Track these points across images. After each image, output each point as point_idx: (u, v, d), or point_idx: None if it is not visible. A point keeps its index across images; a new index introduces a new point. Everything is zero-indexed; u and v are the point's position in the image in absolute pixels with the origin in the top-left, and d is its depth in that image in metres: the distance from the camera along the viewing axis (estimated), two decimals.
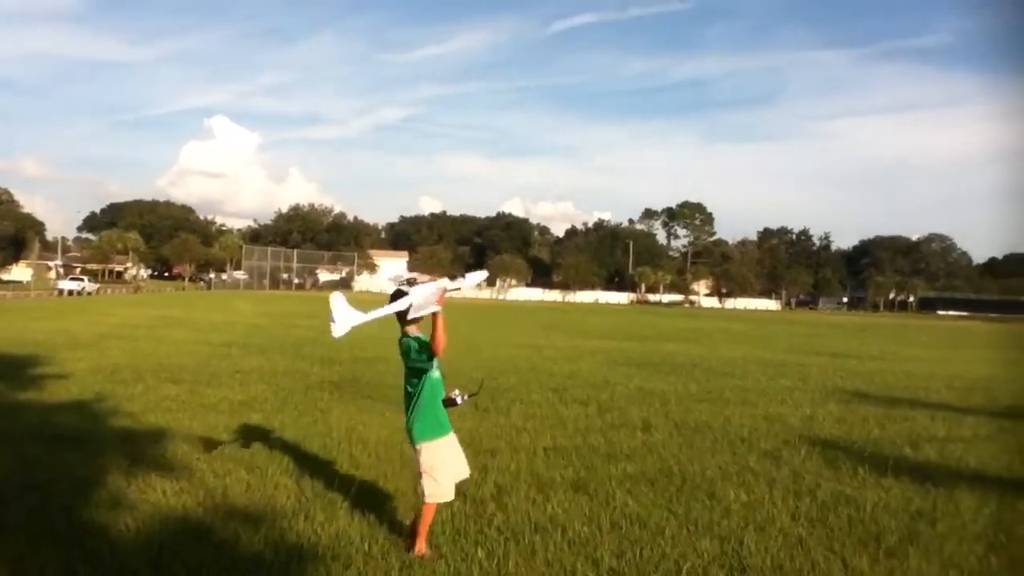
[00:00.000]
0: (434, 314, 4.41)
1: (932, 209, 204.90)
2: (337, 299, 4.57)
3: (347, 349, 15.94)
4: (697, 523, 5.36)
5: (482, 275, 5.04)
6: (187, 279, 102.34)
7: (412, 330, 4.59)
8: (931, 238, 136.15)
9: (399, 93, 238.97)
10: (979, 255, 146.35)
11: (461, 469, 4.76)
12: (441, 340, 4.39)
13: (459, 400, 4.59)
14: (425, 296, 4.50)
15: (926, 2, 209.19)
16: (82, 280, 69.63)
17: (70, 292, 58.87)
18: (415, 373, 4.60)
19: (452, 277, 4.72)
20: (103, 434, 7.69)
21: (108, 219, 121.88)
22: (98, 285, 72.17)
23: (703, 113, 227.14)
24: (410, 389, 4.64)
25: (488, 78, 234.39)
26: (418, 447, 4.60)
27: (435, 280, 4.65)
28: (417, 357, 4.54)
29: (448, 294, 4.52)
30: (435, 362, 4.61)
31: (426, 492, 4.55)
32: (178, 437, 7.51)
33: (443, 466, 4.56)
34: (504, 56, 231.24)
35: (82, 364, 13.19)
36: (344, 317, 4.54)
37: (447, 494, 4.58)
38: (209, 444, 7.05)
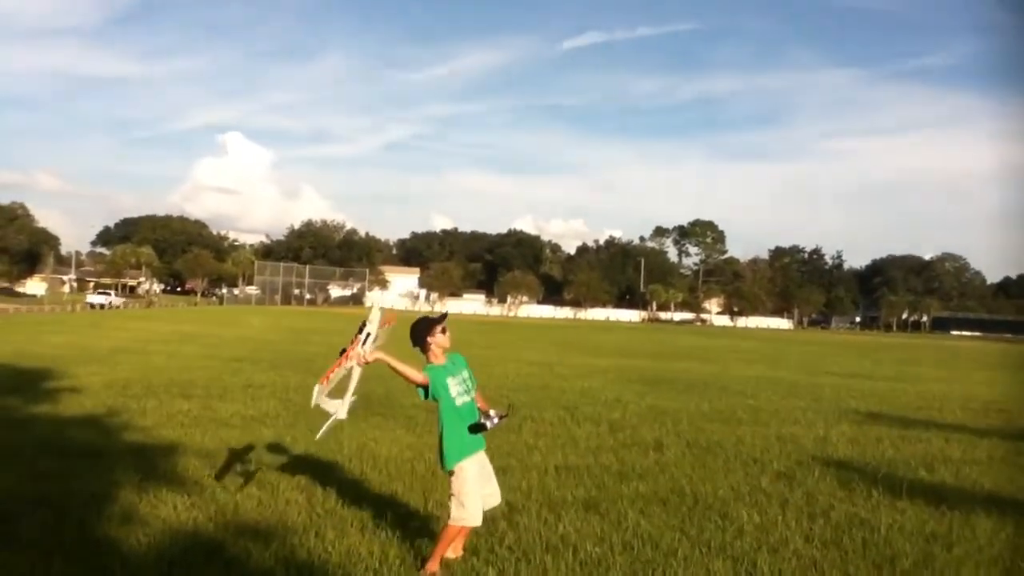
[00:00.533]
0: (389, 366, 4.51)
1: (945, 228, 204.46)
2: (322, 401, 4.73)
3: None
4: (710, 544, 5.30)
5: (375, 313, 4.98)
6: (199, 294, 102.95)
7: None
8: (944, 257, 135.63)
9: (409, 111, 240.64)
10: (993, 275, 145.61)
11: (491, 498, 4.78)
12: (406, 377, 4.54)
13: (489, 424, 4.60)
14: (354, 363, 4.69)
15: (934, 22, 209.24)
16: (110, 294, 73.90)
17: (99, 306, 63.03)
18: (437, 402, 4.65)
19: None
20: (115, 448, 7.72)
21: (122, 233, 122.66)
22: (124, 299, 74.51)
23: (714, 131, 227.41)
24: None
25: (498, 96, 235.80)
26: (448, 471, 4.63)
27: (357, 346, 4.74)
28: (422, 395, 4.66)
29: (366, 345, 4.66)
30: (461, 387, 4.65)
31: (452, 514, 4.57)
32: (190, 452, 7.53)
33: (470, 491, 4.55)
34: (514, 75, 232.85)
35: (95, 378, 13.27)
36: (333, 410, 4.71)
37: (472, 519, 4.56)
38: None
